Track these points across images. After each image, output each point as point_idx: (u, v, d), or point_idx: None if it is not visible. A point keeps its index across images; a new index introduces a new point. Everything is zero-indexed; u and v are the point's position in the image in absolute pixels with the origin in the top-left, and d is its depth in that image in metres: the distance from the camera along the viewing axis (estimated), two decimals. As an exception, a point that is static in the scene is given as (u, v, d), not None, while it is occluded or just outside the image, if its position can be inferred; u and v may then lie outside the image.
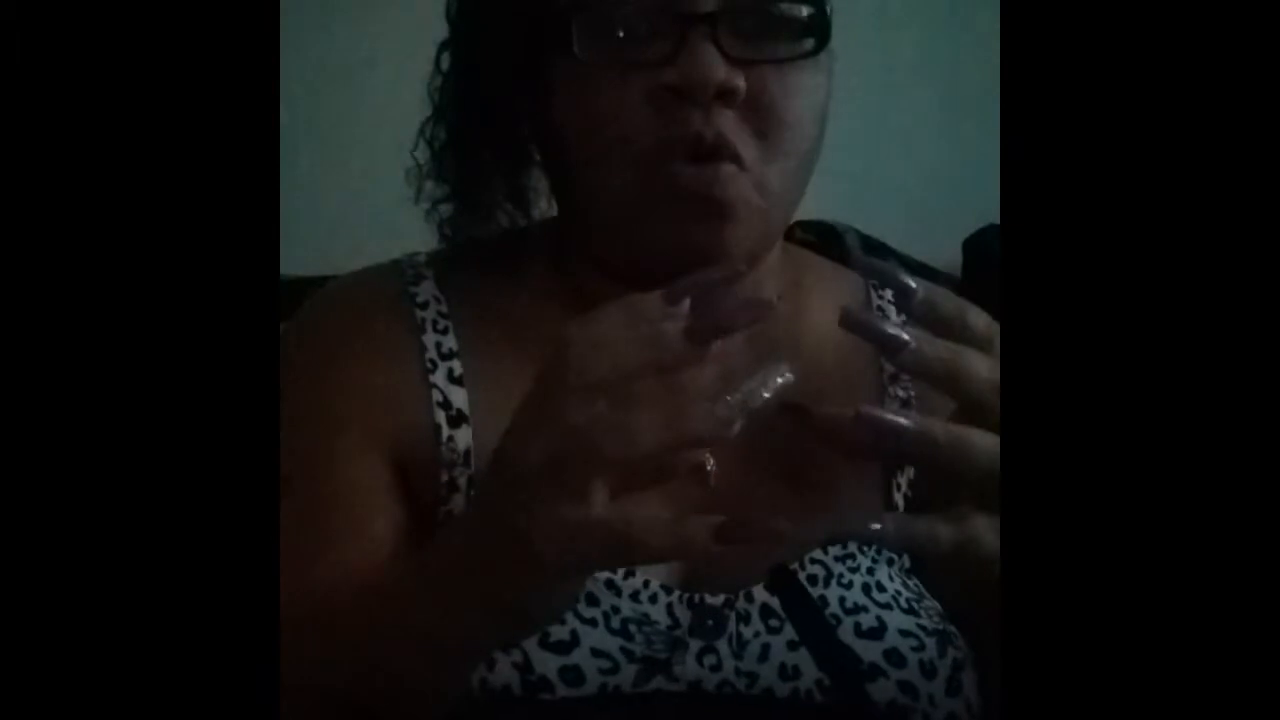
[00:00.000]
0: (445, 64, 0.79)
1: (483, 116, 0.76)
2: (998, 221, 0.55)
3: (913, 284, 0.61)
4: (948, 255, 1.40)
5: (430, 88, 0.80)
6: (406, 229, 0.90)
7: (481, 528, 0.60)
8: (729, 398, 0.54)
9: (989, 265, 1.32)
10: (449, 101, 0.79)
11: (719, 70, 0.67)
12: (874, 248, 1.35)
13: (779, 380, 0.55)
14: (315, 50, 1.38)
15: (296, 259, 0.92)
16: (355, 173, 1.42)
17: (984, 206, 0.96)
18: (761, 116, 0.70)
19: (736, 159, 0.69)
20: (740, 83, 0.68)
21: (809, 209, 1.29)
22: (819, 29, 0.70)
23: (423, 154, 0.79)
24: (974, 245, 1.38)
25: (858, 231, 1.35)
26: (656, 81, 0.68)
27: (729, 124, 0.69)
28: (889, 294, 0.85)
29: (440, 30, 0.82)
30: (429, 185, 0.79)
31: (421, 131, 0.80)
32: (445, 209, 0.79)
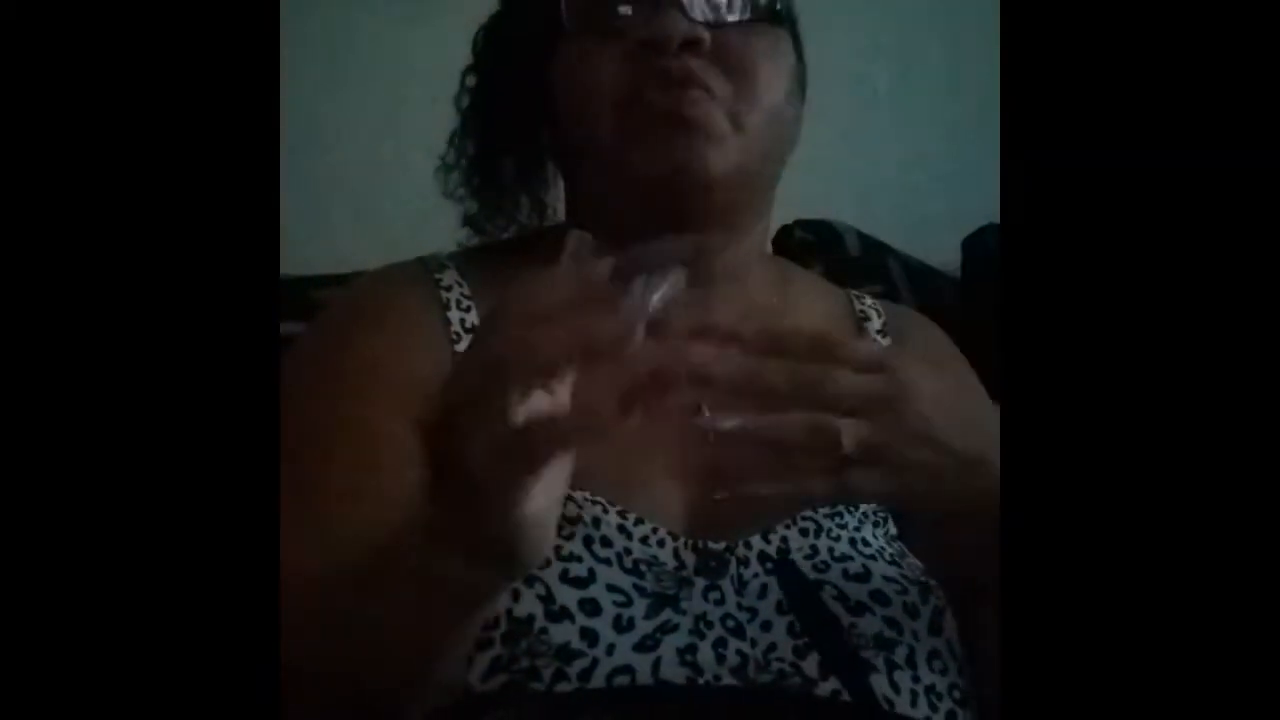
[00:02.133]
0: (470, 82, 0.90)
1: (504, 130, 0.88)
2: (997, 221, 0.56)
3: None
4: (947, 255, 1.40)
5: (458, 103, 0.90)
6: (406, 228, 0.91)
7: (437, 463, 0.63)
8: (628, 302, 0.56)
9: (988, 265, 1.32)
10: (474, 116, 0.90)
11: (682, 24, 0.79)
12: (874, 247, 1.35)
13: (676, 284, 0.57)
14: (316, 50, 1.38)
15: (296, 259, 0.92)
16: (355, 173, 1.42)
17: (984, 206, 0.96)
18: (728, 62, 0.80)
19: (705, 89, 0.79)
20: (704, 34, 0.79)
21: (810, 209, 1.30)
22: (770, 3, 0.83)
23: (452, 157, 0.90)
24: (973, 245, 1.37)
25: (858, 231, 1.35)
26: (633, 39, 0.80)
27: (698, 65, 0.79)
28: (870, 301, 0.94)
29: (441, 32, 0.84)
30: (455, 179, 0.90)
31: (451, 140, 0.90)
32: (470, 205, 0.90)
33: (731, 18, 0.81)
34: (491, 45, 0.90)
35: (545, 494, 0.59)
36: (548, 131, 0.86)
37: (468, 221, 0.90)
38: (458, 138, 0.90)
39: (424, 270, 0.85)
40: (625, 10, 0.81)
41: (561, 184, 0.90)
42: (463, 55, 0.90)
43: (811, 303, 0.90)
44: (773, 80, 0.82)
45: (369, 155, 1.41)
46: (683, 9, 0.80)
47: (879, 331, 0.90)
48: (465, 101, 0.90)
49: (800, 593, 0.75)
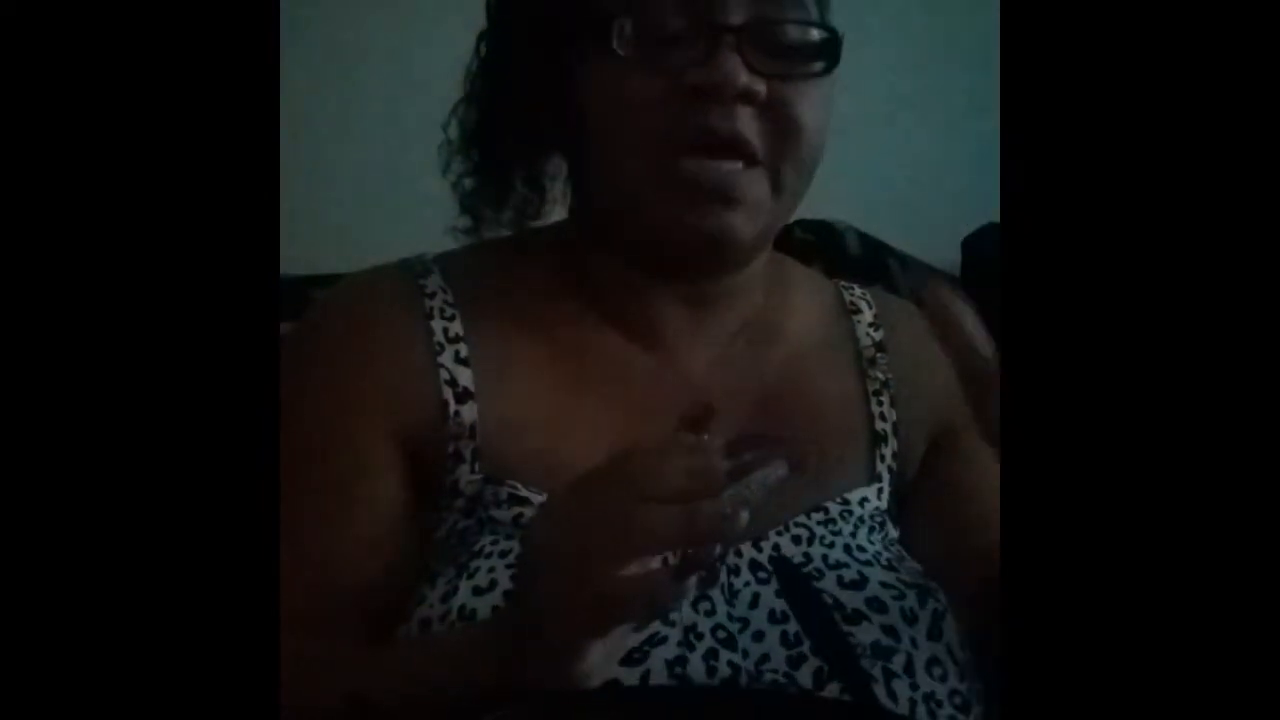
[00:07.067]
0: (483, 51, 0.84)
1: (510, 102, 0.82)
2: (998, 221, 0.56)
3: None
4: (947, 255, 1.40)
5: (467, 72, 0.85)
6: (406, 228, 0.90)
7: (517, 596, 0.68)
8: (731, 493, 0.60)
9: (988, 264, 1.33)
10: (482, 86, 0.84)
11: (742, 74, 0.74)
12: (874, 247, 1.35)
13: (779, 474, 0.62)
14: (316, 50, 1.38)
15: (297, 259, 0.92)
16: (355, 173, 1.42)
17: (984, 206, 0.96)
18: (778, 121, 0.76)
19: (751, 156, 0.76)
20: (760, 88, 0.75)
21: (809, 209, 1.30)
22: (830, 51, 0.78)
23: (454, 131, 0.85)
24: (973, 245, 1.38)
25: (858, 231, 1.35)
26: (683, 81, 0.75)
27: (746, 124, 0.75)
28: (859, 292, 0.94)
29: (438, 30, 0.83)
30: (456, 161, 0.85)
31: (454, 111, 0.85)
32: (468, 183, 0.85)
33: (794, 69, 0.77)
34: (511, 21, 0.83)
35: (603, 654, 0.63)
36: (563, 128, 0.81)
37: (463, 203, 0.85)
38: (461, 108, 0.85)
39: (408, 275, 0.83)
40: (681, 48, 0.75)
41: (564, 171, 0.85)
42: (464, 54, 0.89)
43: (804, 299, 0.90)
44: (817, 136, 0.78)
45: (368, 154, 1.41)
46: (742, 55, 0.74)
47: (870, 324, 0.90)
48: (474, 67, 0.84)
49: (799, 591, 0.75)
